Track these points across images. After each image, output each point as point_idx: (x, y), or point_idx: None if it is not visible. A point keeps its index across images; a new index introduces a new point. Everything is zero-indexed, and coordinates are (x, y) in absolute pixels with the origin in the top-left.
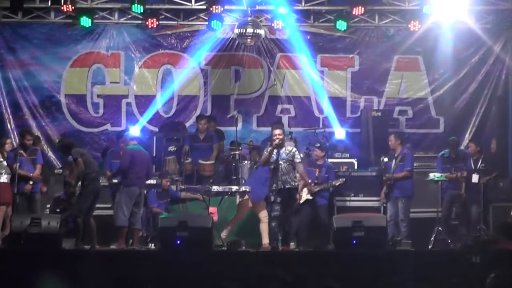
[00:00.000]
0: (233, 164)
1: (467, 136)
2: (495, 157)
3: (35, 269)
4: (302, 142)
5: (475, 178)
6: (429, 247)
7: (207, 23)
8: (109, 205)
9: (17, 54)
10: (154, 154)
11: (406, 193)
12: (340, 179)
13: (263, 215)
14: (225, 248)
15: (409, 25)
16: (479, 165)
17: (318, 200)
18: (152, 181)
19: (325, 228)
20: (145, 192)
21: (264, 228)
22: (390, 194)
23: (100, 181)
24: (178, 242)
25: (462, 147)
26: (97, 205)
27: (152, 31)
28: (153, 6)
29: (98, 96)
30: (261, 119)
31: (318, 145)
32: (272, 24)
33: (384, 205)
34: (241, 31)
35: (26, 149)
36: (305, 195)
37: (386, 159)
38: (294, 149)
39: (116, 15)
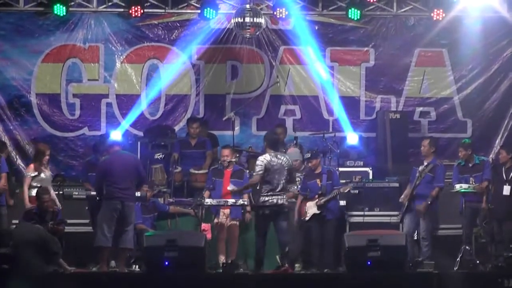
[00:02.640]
0: None
1: (498, 142)
2: None
3: None
4: (309, 149)
5: (506, 190)
6: (455, 268)
7: (199, 11)
8: (87, 221)
9: None
10: None
11: (430, 207)
12: (349, 185)
13: (236, 235)
14: (220, 270)
15: (432, 14)
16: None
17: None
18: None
19: (334, 247)
20: None
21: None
22: (410, 206)
23: (77, 193)
24: (166, 263)
25: (492, 155)
26: (75, 221)
27: (136, 20)
28: None
29: (74, 95)
30: (261, 122)
31: (308, 155)
32: (275, 13)
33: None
34: (239, 20)
35: None
36: (311, 210)
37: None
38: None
39: (95, 2)
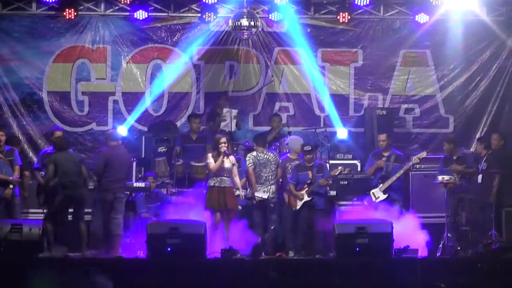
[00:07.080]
0: None
1: (478, 136)
2: (499, 155)
3: (16, 280)
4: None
5: (479, 178)
6: (437, 254)
7: (199, 15)
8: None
9: None
10: (143, 156)
11: (403, 196)
12: (339, 167)
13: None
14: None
15: (417, 17)
16: (482, 165)
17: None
18: (140, 184)
19: (324, 235)
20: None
21: None
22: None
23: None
24: (169, 250)
25: (473, 148)
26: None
27: (141, 23)
28: None
29: (83, 93)
30: (257, 118)
31: (309, 148)
32: (270, 16)
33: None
34: (236, 23)
35: None
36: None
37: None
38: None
39: (102, 6)
